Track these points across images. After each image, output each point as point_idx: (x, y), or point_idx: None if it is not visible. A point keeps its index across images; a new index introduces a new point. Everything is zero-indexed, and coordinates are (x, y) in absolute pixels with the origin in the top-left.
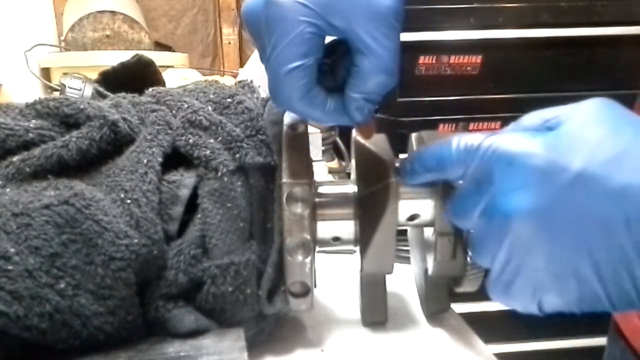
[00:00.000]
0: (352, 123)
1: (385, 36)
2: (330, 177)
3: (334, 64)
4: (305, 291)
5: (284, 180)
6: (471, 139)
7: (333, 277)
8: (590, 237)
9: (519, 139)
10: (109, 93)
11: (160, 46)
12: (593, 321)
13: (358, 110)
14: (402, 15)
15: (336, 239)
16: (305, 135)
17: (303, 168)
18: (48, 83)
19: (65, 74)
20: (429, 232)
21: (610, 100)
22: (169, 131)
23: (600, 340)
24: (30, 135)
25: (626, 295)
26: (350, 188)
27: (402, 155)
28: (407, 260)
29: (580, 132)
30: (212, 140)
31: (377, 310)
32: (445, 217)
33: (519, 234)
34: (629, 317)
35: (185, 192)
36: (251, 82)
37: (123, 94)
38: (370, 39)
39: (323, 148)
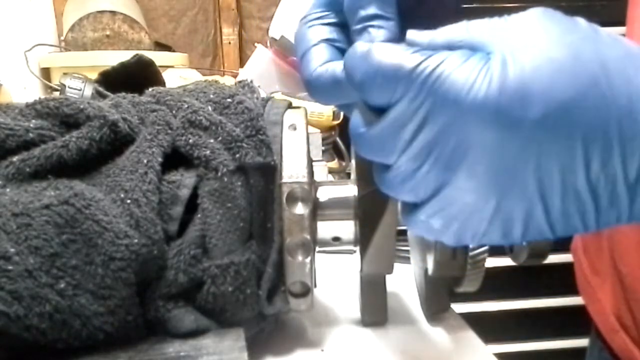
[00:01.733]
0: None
1: None
2: (330, 177)
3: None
4: (305, 291)
5: (284, 180)
6: (403, 58)
7: (333, 277)
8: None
9: (460, 64)
10: (109, 93)
11: (160, 46)
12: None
13: (359, 35)
14: None
15: (336, 239)
16: (305, 135)
17: (303, 168)
18: (48, 83)
19: (65, 74)
20: None
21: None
22: (169, 131)
23: None
24: (30, 135)
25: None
26: (350, 188)
27: None
28: (407, 260)
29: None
30: (212, 140)
31: (377, 310)
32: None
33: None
34: (606, 317)
35: (185, 192)
36: (251, 82)
37: (123, 94)
38: None
39: (323, 148)
